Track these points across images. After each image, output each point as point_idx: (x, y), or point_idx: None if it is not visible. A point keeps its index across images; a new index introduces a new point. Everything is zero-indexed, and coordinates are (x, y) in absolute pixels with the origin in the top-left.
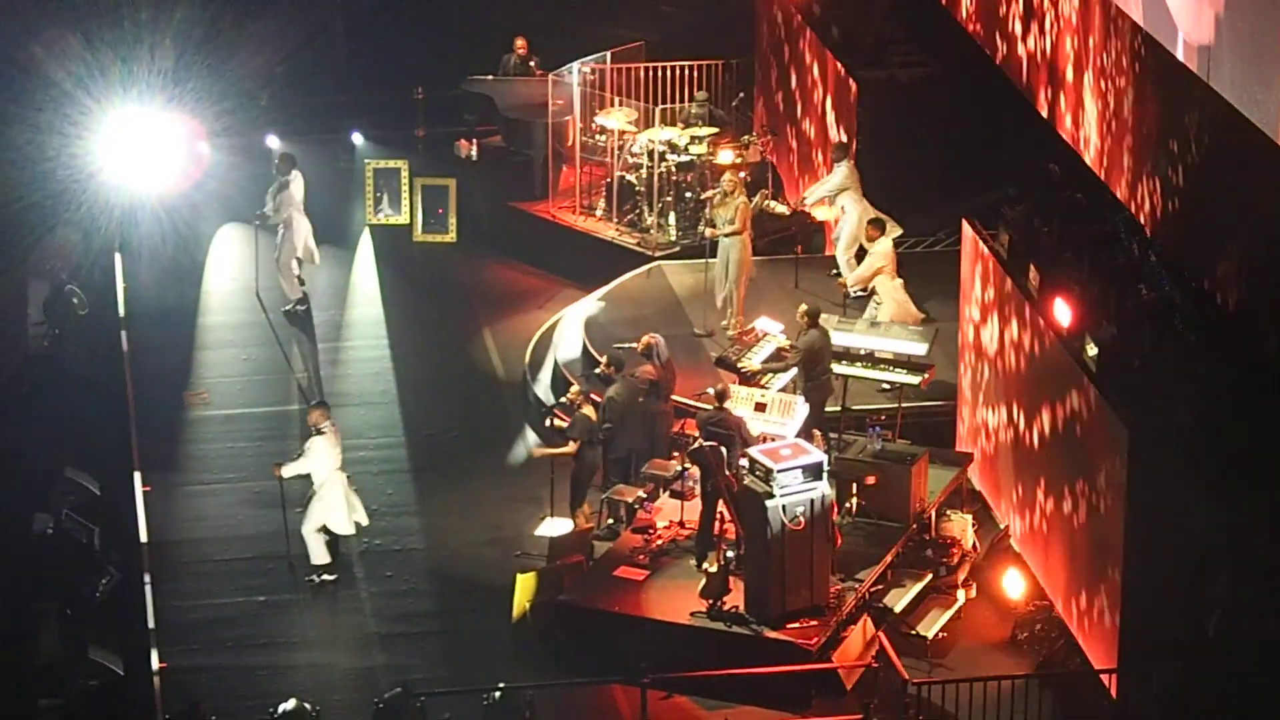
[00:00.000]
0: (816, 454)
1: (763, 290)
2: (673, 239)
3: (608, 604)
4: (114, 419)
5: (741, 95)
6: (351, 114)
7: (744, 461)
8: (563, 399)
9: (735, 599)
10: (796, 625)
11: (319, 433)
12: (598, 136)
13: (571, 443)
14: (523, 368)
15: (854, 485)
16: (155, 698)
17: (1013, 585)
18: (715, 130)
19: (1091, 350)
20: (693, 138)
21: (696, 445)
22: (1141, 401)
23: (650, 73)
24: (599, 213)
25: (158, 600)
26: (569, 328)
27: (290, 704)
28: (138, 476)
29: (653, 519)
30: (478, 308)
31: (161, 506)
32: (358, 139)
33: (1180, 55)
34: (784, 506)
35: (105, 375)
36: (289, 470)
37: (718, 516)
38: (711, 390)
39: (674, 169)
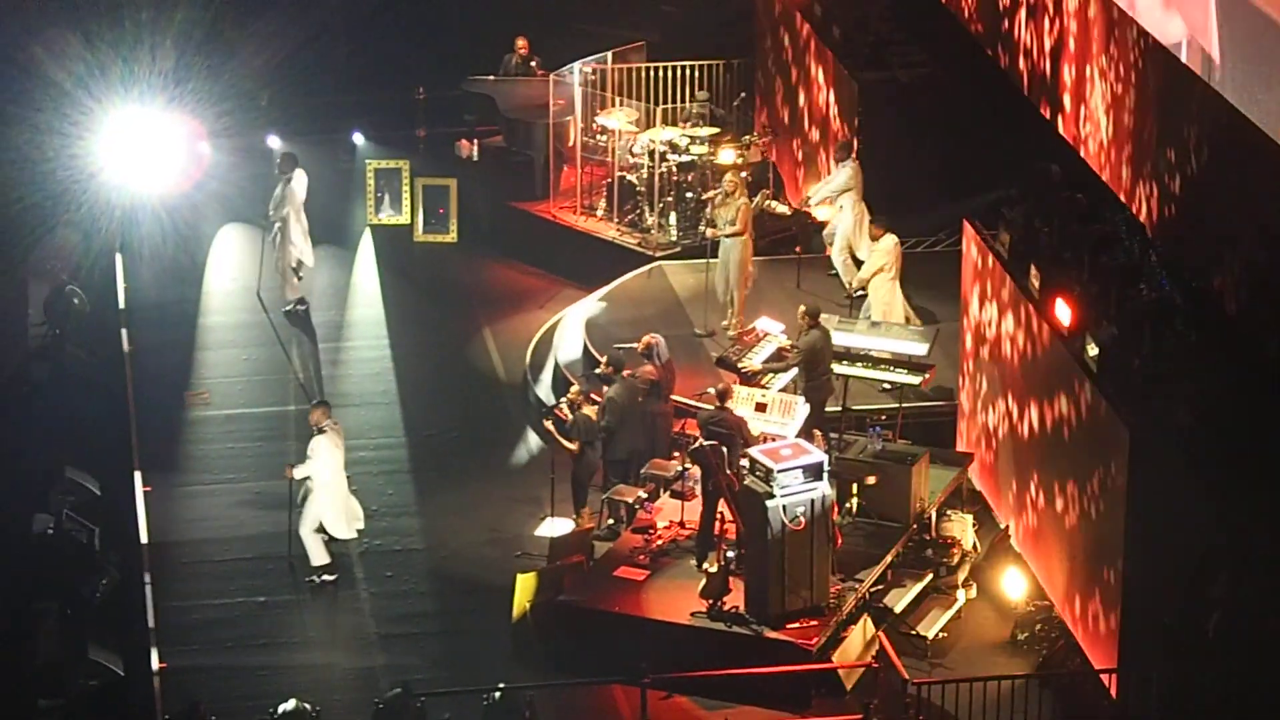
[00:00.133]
0: (817, 454)
1: (763, 290)
2: (673, 239)
3: (608, 604)
4: (114, 419)
5: (742, 95)
6: (352, 114)
7: (744, 461)
8: (563, 399)
9: (735, 599)
10: (797, 625)
11: (320, 432)
12: (599, 137)
13: (573, 442)
14: (523, 368)
15: (854, 485)
16: (155, 698)
17: (1013, 585)
18: (716, 130)
19: (1092, 350)
20: (693, 138)
21: (697, 445)
22: (1142, 401)
23: (651, 73)
24: (600, 213)
25: (158, 600)
26: (570, 328)
27: (290, 704)
28: (138, 477)
29: (653, 519)
30: (478, 308)
31: (162, 507)
32: (359, 139)
33: (1181, 55)
34: (784, 506)
35: (106, 375)
36: (299, 472)
37: (718, 516)
38: (713, 390)
39: (675, 169)
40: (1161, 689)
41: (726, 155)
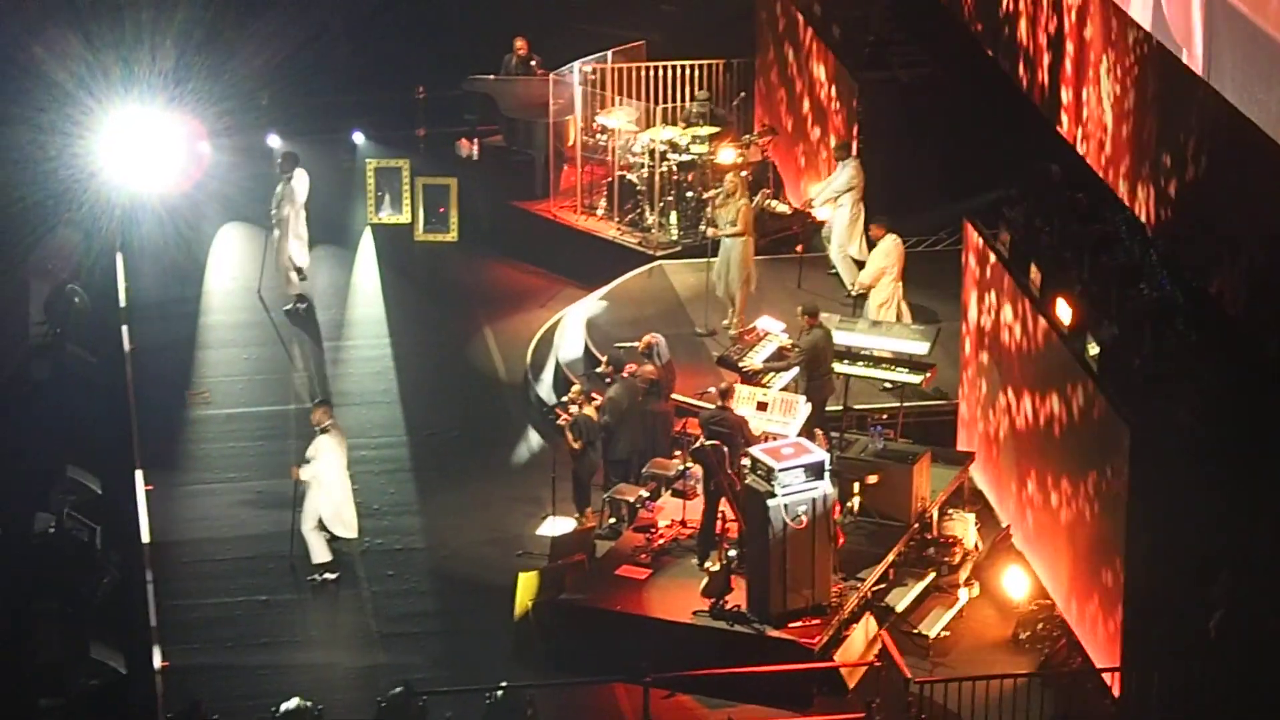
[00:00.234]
0: (818, 453)
1: (764, 290)
2: (674, 238)
3: (609, 603)
4: (115, 418)
5: (742, 95)
6: (353, 113)
7: (746, 461)
8: (564, 398)
9: (737, 598)
10: (798, 624)
11: (323, 432)
12: (599, 136)
13: (577, 441)
14: (524, 367)
15: (855, 484)
16: (157, 697)
17: (1014, 584)
18: (716, 130)
19: (1093, 349)
20: (694, 137)
21: (699, 444)
22: (1142, 401)
23: (651, 72)
24: (600, 212)
25: (159, 599)
26: (570, 327)
27: (292, 703)
28: (139, 476)
29: (654, 518)
30: (479, 307)
31: (163, 506)
32: (359, 138)
33: (1181, 55)
34: (786, 506)
35: (107, 374)
36: (306, 473)
37: (720, 515)
38: (714, 389)
39: (675, 168)
40: (1163, 688)
41: (726, 155)
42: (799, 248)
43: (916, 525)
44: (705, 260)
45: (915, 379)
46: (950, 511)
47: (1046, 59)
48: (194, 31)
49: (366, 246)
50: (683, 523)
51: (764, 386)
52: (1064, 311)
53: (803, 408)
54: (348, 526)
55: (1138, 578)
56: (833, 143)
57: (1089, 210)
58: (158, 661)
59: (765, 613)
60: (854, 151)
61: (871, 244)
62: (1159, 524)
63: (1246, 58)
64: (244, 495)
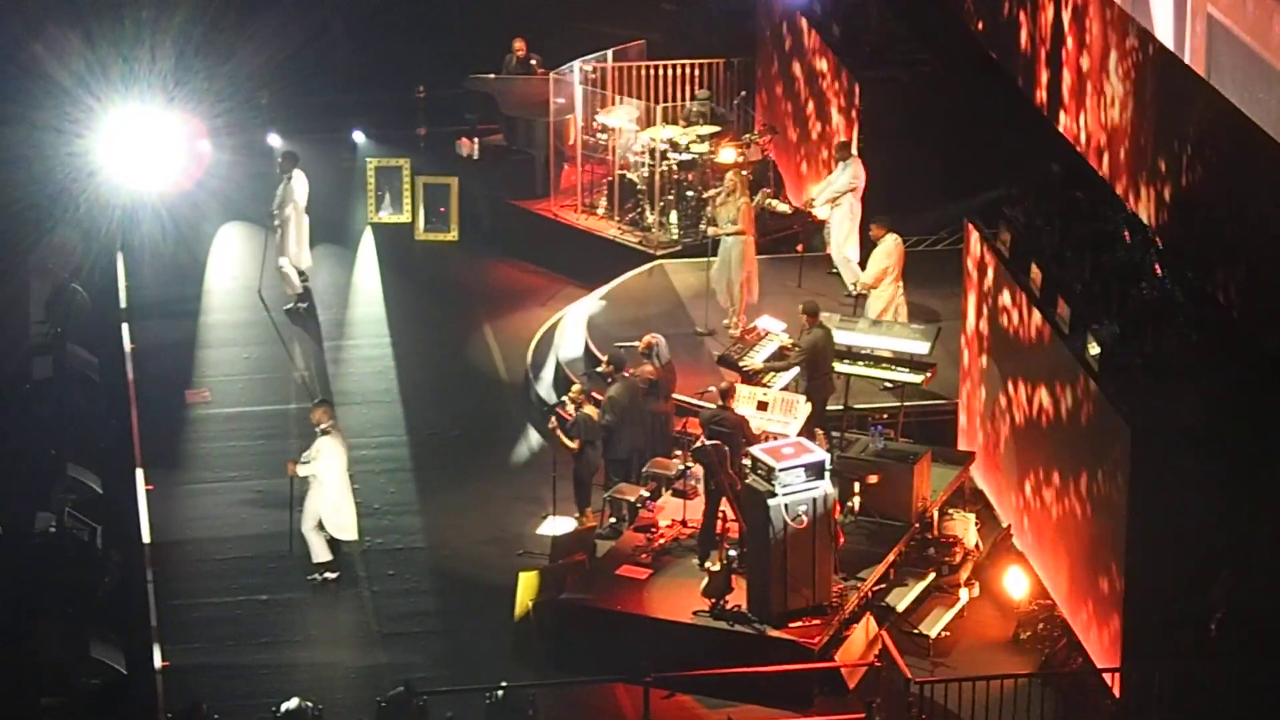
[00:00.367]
0: (819, 453)
1: (765, 289)
2: (674, 237)
3: (610, 603)
4: (116, 417)
5: (743, 93)
6: (353, 113)
7: (746, 461)
8: (564, 398)
9: (738, 598)
10: (799, 624)
11: (324, 432)
12: (599, 135)
13: (574, 441)
14: (524, 366)
15: (856, 484)
16: (157, 696)
17: (1015, 584)
18: (717, 129)
19: (1093, 349)
20: (694, 136)
21: (699, 444)
22: (1143, 400)
23: (651, 71)
24: (600, 211)
25: (160, 599)
26: (571, 326)
27: (292, 703)
28: (140, 475)
29: (655, 518)
30: (479, 306)
31: (163, 505)
32: (359, 137)
33: (1183, 54)
34: (786, 505)
35: (107, 374)
36: (303, 470)
37: (720, 515)
38: (715, 389)
39: (675, 167)
40: (1163, 688)
41: (727, 154)
42: (799, 247)
43: (917, 525)
44: (705, 260)
45: (916, 378)
46: (951, 511)
47: (1047, 58)
48: (194, 30)
49: (367, 246)
50: (683, 522)
51: (764, 386)
52: (1065, 310)
53: (803, 407)
54: (346, 529)
55: (1138, 577)
56: (836, 142)
57: (1089, 209)
58: (158, 661)
59: (766, 612)
60: (854, 151)
61: (871, 244)
62: (1159, 523)
63: (1247, 59)
64: (244, 494)
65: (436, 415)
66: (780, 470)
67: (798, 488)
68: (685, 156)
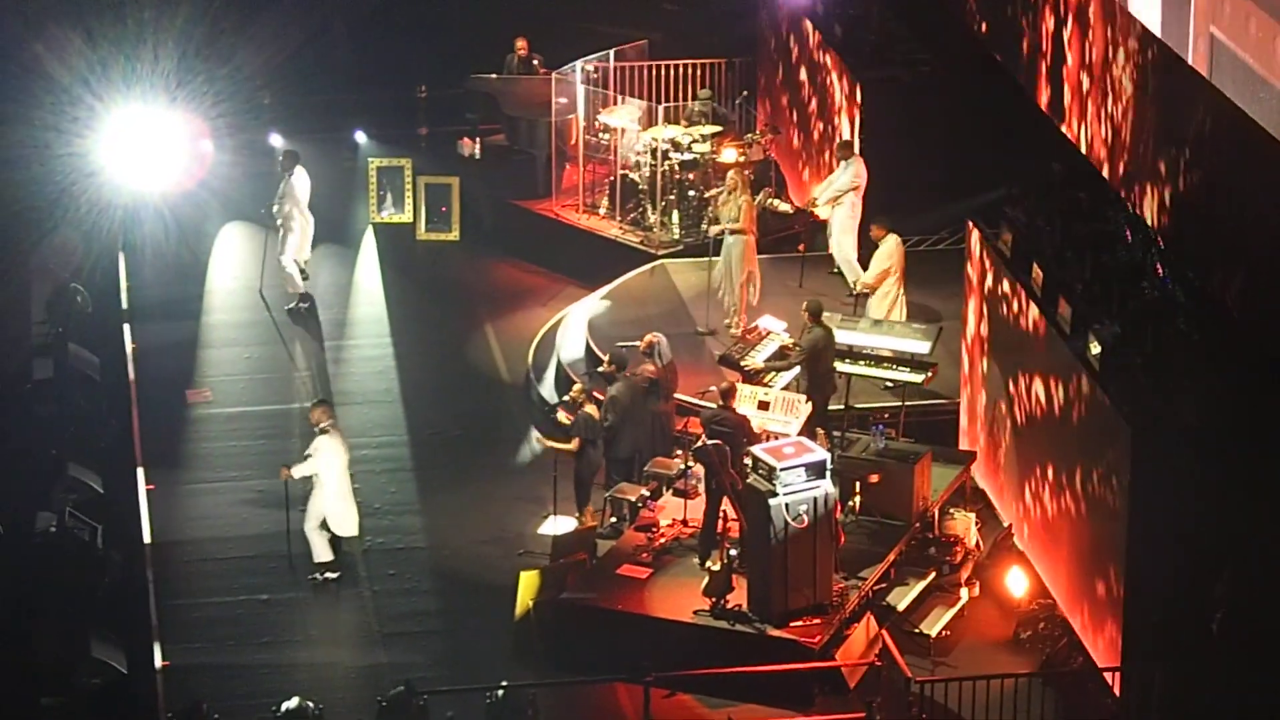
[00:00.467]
0: (820, 452)
1: (766, 288)
2: (676, 237)
3: (611, 602)
4: (117, 417)
5: (745, 93)
6: (355, 112)
7: (747, 460)
8: (565, 397)
9: (738, 597)
10: (800, 623)
11: (322, 431)
12: (601, 135)
13: (574, 440)
14: (526, 366)
15: (856, 484)
16: (158, 696)
17: (1016, 584)
18: (718, 128)
19: (1094, 348)
20: (696, 136)
21: (700, 444)
22: (1144, 400)
23: (653, 71)
24: (602, 211)
25: (160, 598)
26: (572, 326)
27: (293, 702)
28: (141, 475)
29: (656, 517)
30: (480, 306)
31: (164, 505)
32: (361, 137)
33: (1185, 53)
34: (787, 505)
35: (108, 373)
36: (299, 471)
37: (721, 515)
38: (716, 388)
39: (677, 167)
40: (1164, 688)
41: (728, 153)
42: (800, 246)
43: (918, 524)
44: (707, 259)
45: (917, 378)
46: (951, 511)
47: (1048, 57)
48: (196, 30)
49: (368, 245)
50: (684, 522)
51: (766, 386)
52: (1066, 310)
53: (804, 407)
54: (347, 526)
55: (1138, 577)
56: (838, 141)
57: (1091, 209)
58: (159, 660)
59: (766, 612)
60: (856, 151)
61: (871, 244)
62: (1160, 523)
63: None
64: (245, 494)
65: (437, 415)
66: (781, 470)
67: (799, 487)
68: (687, 156)
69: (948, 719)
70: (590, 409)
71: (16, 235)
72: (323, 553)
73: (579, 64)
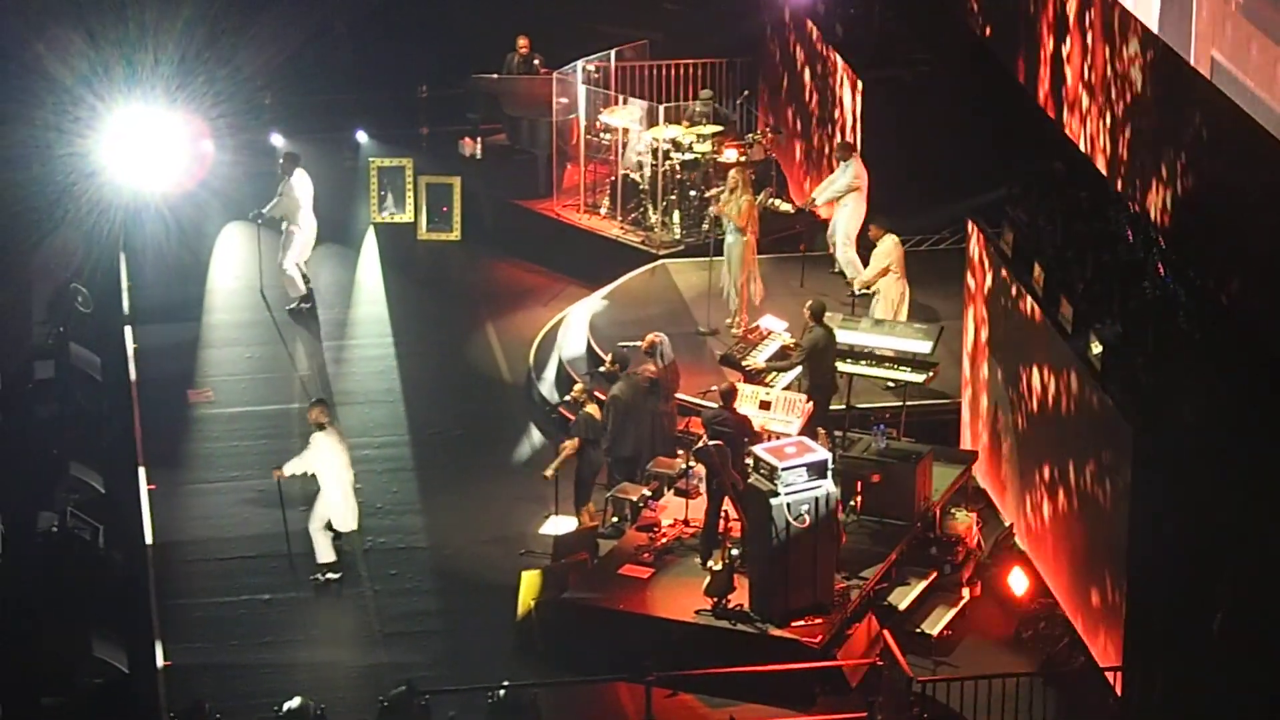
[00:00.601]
0: (821, 452)
1: (767, 288)
2: (677, 237)
3: (612, 602)
4: (118, 417)
5: (746, 93)
6: (356, 112)
7: (749, 460)
8: (567, 397)
9: (740, 597)
10: (801, 623)
11: (319, 427)
12: (602, 135)
13: (575, 440)
14: (527, 366)
15: (858, 483)
16: (159, 696)
17: (1017, 583)
18: (719, 128)
19: (1096, 348)
20: (697, 136)
21: (701, 444)
22: (1146, 399)
23: (654, 71)
24: (603, 211)
25: (162, 598)
26: (573, 326)
27: (295, 702)
28: (142, 474)
29: (657, 517)
30: (482, 306)
31: (166, 504)
32: (362, 137)
33: (1186, 54)
34: (789, 505)
35: (110, 373)
36: (290, 468)
37: (723, 514)
38: (717, 389)
39: (678, 167)
40: (1166, 688)
41: (730, 153)
42: (802, 246)
43: (919, 524)
44: (708, 259)
45: (918, 378)
46: (953, 510)
47: (1049, 57)
48: (197, 30)
49: (369, 245)
50: (685, 522)
51: (767, 385)
52: (1067, 310)
53: (805, 407)
54: (346, 522)
55: (1140, 576)
56: (838, 141)
57: (1092, 208)
58: (160, 660)
59: (768, 611)
60: (856, 151)
61: (870, 244)
62: (1162, 523)
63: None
64: (246, 494)
65: (439, 415)
66: (783, 470)
67: (800, 487)
68: (688, 156)
69: (949, 718)
70: (591, 409)
71: (18, 235)
72: (326, 553)
73: (580, 64)
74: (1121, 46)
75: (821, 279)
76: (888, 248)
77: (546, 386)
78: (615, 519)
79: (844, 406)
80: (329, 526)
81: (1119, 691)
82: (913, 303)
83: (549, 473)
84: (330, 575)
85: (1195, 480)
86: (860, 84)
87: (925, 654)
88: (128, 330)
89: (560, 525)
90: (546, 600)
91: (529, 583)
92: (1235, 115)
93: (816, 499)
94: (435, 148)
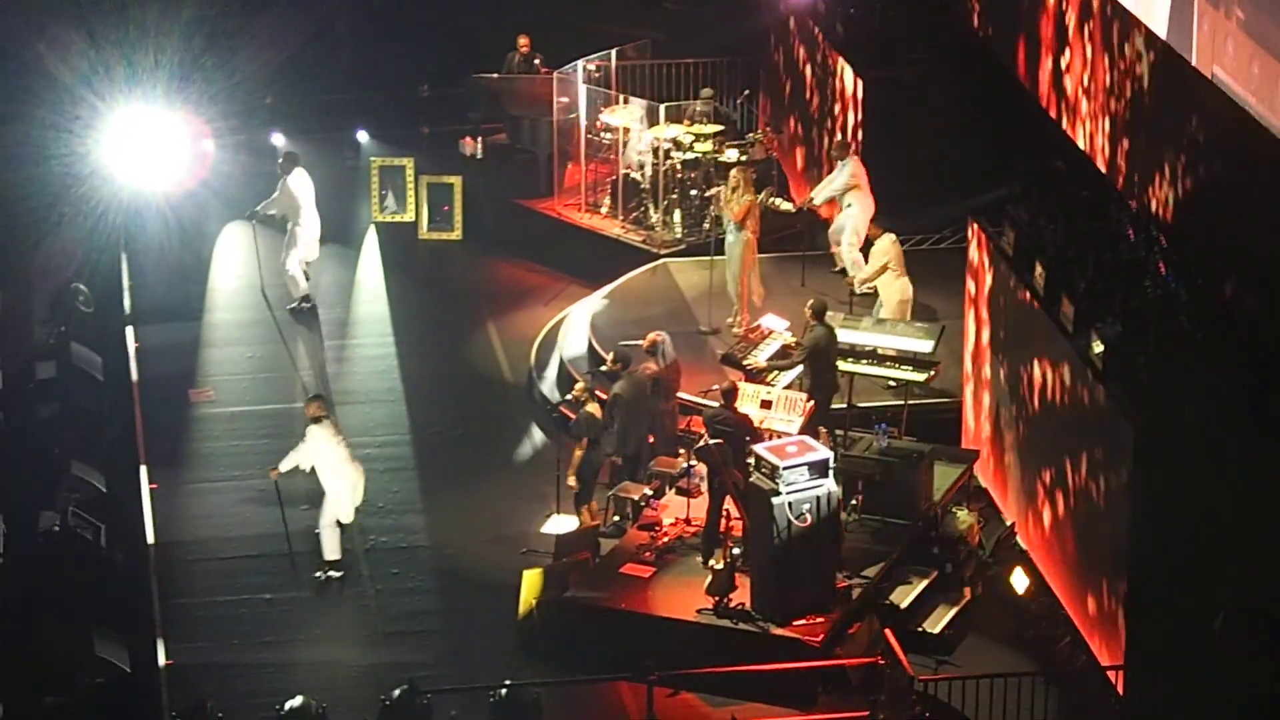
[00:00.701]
0: (822, 451)
1: (768, 288)
2: (678, 236)
3: (614, 601)
4: (120, 416)
5: (747, 92)
6: (357, 112)
7: (750, 459)
8: (568, 396)
9: (741, 596)
10: (803, 622)
11: (314, 421)
12: (603, 134)
13: (583, 441)
14: (528, 365)
15: (858, 483)
16: (161, 695)
17: (1019, 582)
18: (720, 128)
19: (1097, 347)
20: (698, 135)
21: (702, 444)
22: (1147, 399)
23: (655, 70)
24: (604, 210)
25: (163, 597)
26: (574, 325)
27: (297, 701)
28: (144, 474)
29: (659, 516)
30: (483, 305)
31: (167, 504)
32: (363, 136)
33: (1185, 35)
34: (790, 504)
35: (111, 372)
36: (285, 464)
37: (724, 513)
38: (718, 388)
39: (679, 166)
40: (1167, 687)
41: (731, 153)
42: (800, 247)
43: (921, 523)
44: (709, 259)
45: (920, 377)
46: (954, 509)
47: (1051, 56)
48: (198, 30)
49: (370, 245)
50: (687, 521)
51: (768, 384)
52: (1068, 309)
53: (806, 406)
54: (345, 514)
55: (1142, 576)
56: (835, 141)
57: (1093, 208)
58: (162, 659)
59: (769, 611)
60: (853, 150)
61: (869, 244)
62: (1163, 522)
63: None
64: (248, 493)
65: (440, 414)
66: (784, 469)
67: (801, 486)
68: (689, 155)
69: (951, 718)
70: (592, 408)
71: (19, 235)
72: (332, 551)
73: (581, 63)
74: (1123, 46)
75: (822, 278)
76: (884, 246)
77: (548, 386)
78: (617, 518)
79: (845, 405)
80: (338, 523)
81: (1120, 691)
82: (920, 304)
83: (571, 481)
84: (332, 573)
85: (1197, 479)
86: (861, 83)
87: (927, 653)
88: (129, 329)
89: (562, 524)
90: (548, 599)
91: (530, 582)
92: (1237, 114)
93: (818, 498)
94: (436, 147)
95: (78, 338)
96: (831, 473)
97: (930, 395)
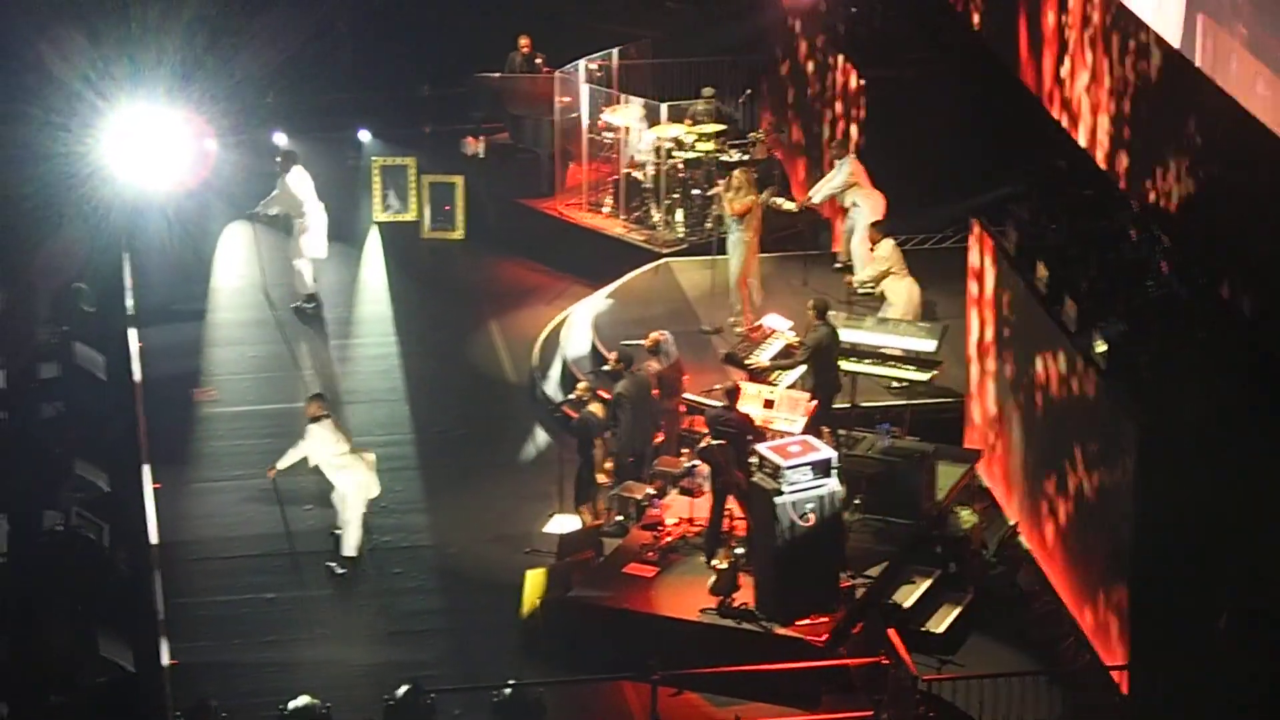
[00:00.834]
0: (825, 451)
1: (770, 287)
2: (680, 236)
3: (617, 601)
4: (123, 416)
5: (748, 92)
6: (359, 111)
7: (753, 458)
8: (571, 396)
9: (745, 595)
10: (806, 622)
11: (313, 419)
12: (605, 134)
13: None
14: (531, 365)
15: (861, 482)
16: (165, 694)
17: (1020, 582)
18: (722, 127)
19: (1100, 347)
20: (700, 135)
21: (705, 444)
22: (1150, 398)
23: (657, 70)
24: (606, 210)
25: (167, 597)
26: (577, 325)
27: (301, 701)
28: (147, 473)
29: (662, 515)
30: (485, 305)
31: (171, 503)
32: (365, 136)
33: (1189, 52)
34: (793, 503)
35: (114, 372)
36: (283, 462)
37: (727, 513)
38: (721, 387)
39: (681, 166)
40: (1170, 686)
41: (732, 153)
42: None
43: (924, 523)
44: (711, 258)
45: (923, 376)
46: (958, 509)
47: (1053, 55)
48: (200, 29)
49: (373, 244)
50: (690, 520)
51: (771, 384)
52: (1071, 309)
53: (809, 405)
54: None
55: (1145, 575)
56: (835, 141)
57: (1096, 207)
58: (166, 659)
59: (773, 610)
60: (851, 149)
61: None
62: (1166, 521)
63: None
64: (251, 493)
65: (443, 414)
66: (786, 468)
67: (804, 485)
68: (691, 155)
69: (954, 717)
70: (595, 407)
71: (21, 234)
72: (352, 547)
73: (582, 63)
74: (1125, 45)
75: (824, 277)
76: (884, 252)
77: (550, 385)
78: (619, 517)
79: (848, 405)
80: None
81: (1124, 690)
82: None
83: (602, 478)
84: (340, 569)
85: (1199, 478)
86: (863, 82)
87: (930, 652)
88: (132, 329)
89: (565, 524)
90: (551, 599)
91: (534, 581)
92: (1239, 114)
93: (821, 498)
94: (438, 146)
95: (80, 337)
96: (834, 472)
97: (933, 395)
